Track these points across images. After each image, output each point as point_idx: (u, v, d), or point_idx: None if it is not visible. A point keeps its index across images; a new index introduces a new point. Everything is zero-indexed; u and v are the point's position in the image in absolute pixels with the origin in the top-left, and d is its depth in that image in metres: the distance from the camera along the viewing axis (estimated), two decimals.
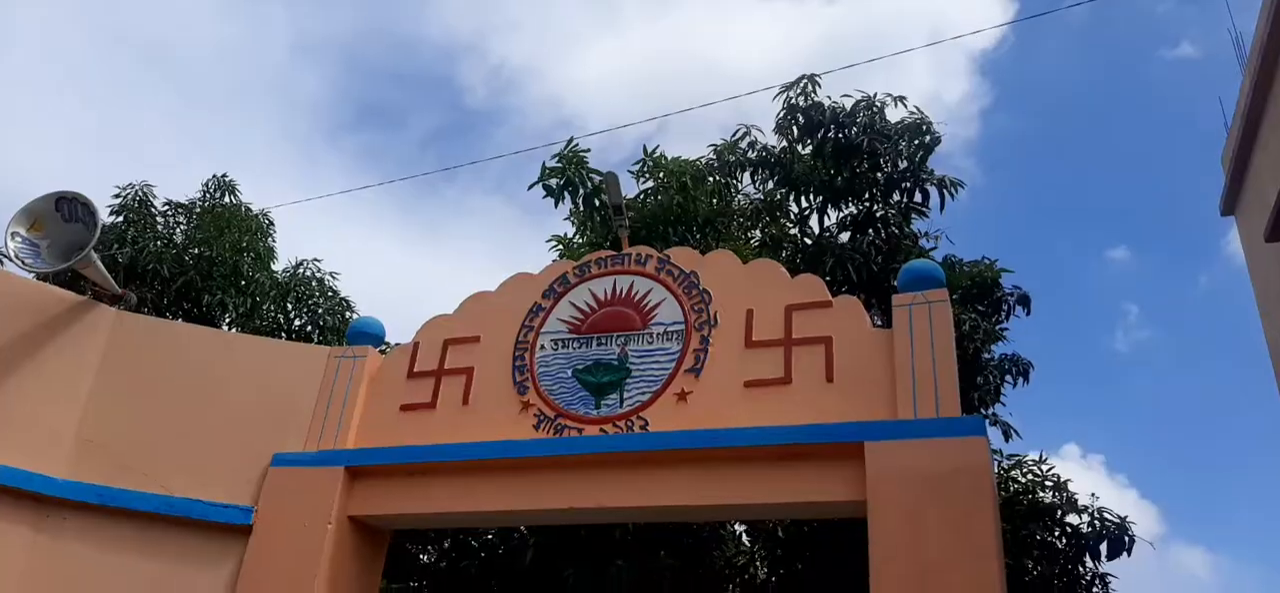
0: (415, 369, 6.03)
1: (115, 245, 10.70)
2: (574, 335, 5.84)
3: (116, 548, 5.55)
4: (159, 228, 11.40)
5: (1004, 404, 9.50)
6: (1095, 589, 8.46)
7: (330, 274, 12.13)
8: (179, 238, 11.39)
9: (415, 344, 6.14)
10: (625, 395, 5.55)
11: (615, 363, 5.66)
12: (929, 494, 4.63)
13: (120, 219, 11.32)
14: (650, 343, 5.67)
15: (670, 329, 5.66)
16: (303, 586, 5.39)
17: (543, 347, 5.86)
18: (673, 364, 5.54)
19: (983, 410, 8.95)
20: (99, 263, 6.08)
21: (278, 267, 12.09)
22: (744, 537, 11.47)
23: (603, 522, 7.99)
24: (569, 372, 5.71)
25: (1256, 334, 9.05)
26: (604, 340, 5.77)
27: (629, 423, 5.46)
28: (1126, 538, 8.11)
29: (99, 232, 5.83)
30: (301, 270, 12.04)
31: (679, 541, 9.94)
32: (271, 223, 12.19)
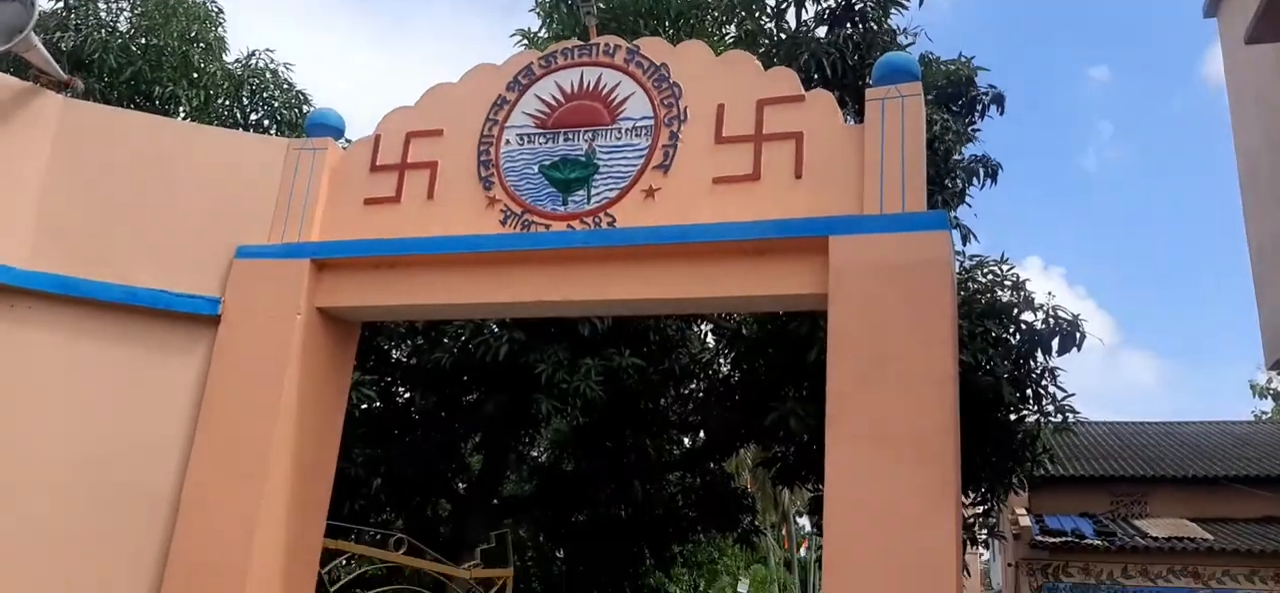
0: (378, 163, 5.92)
1: (57, 33, 10.21)
2: (540, 130, 5.72)
3: (82, 338, 5.54)
4: (102, 15, 10.87)
5: (969, 206, 9.62)
6: (1044, 382, 8.83)
7: (285, 66, 11.74)
8: (124, 26, 10.88)
9: (377, 137, 6.00)
10: (593, 192, 5.50)
11: (582, 159, 5.58)
12: (889, 285, 4.71)
13: (60, 5, 10.76)
14: (618, 139, 5.57)
15: (639, 124, 5.56)
16: (274, 375, 5.47)
17: (508, 141, 5.74)
18: (641, 160, 5.47)
19: (948, 212, 9.04)
20: (41, 47, 5.80)
21: (229, 58, 11.66)
22: (709, 337, 11.79)
23: (570, 315, 8.13)
24: (535, 168, 5.63)
25: (1224, 153, 9.13)
26: (571, 136, 5.66)
27: (596, 220, 5.44)
28: (1078, 335, 8.40)
29: (37, 12, 5.53)
30: (255, 61, 11.62)
31: (646, 339, 10.18)
32: (220, 11, 11.67)
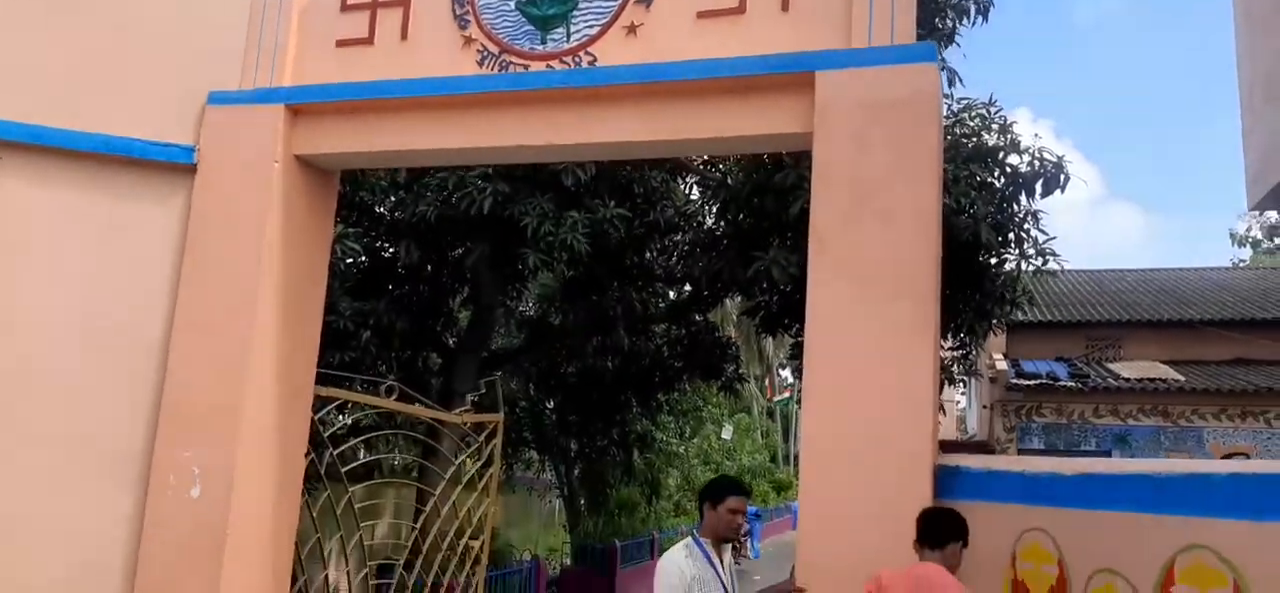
0: (348, 1, 5.72)
1: None
2: None
3: (60, 187, 5.46)
4: None
5: (959, 47, 9.45)
6: (1026, 226, 8.87)
7: None
8: None
9: None
10: (572, 29, 5.35)
11: None
12: (875, 121, 4.66)
13: None
14: None
15: None
16: (255, 224, 5.43)
17: None
18: None
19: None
20: None
21: None
22: (694, 190, 11.74)
23: (552, 161, 8.04)
24: (512, 4, 5.45)
25: (1220, 4, 8.91)
26: None
27: (576, 59, 5.31)
28: (1062, 176, 8.40)
29: None
30: None
31: (630, 192, 10.13)
32: None
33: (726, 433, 24.29)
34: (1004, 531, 4.34)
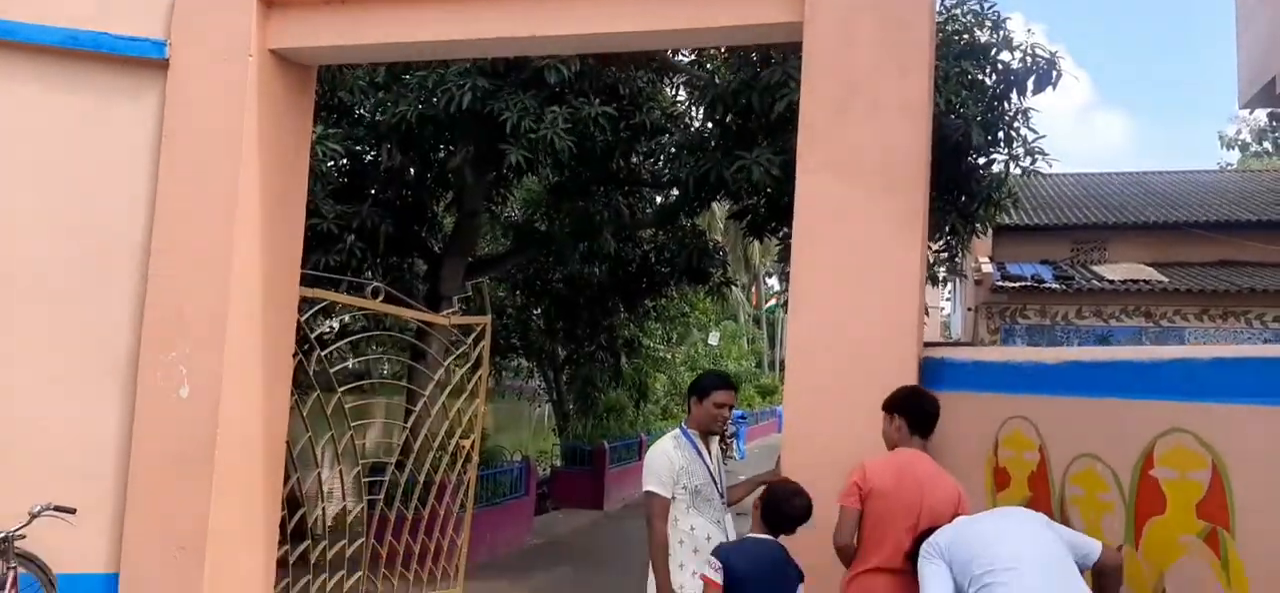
0: None
1: None
2: None
3: (28, 83, 5.31)
4: None
5: None
6: (1016, 124, 8.80)
7: None
8: None
9: None
10: None
11: None
12: (866, 9, 4.57)
13: None
14: None
15: None
16: (232, 120, 5.31)
17: None
18: None
19: None
20: None
21: None
22: (681, 91, 11.57)
23: (533, 53, 7.87)
24: None
25: None
26: None
27: None
28: (1055, 72, 8.30)
29: None
30: None
31: (615, 93, 9.96)
32: None
33: (713, 339, 24.48)
34: (987, 420, 4.39)
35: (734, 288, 20.00)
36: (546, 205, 11.69)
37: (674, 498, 4.23)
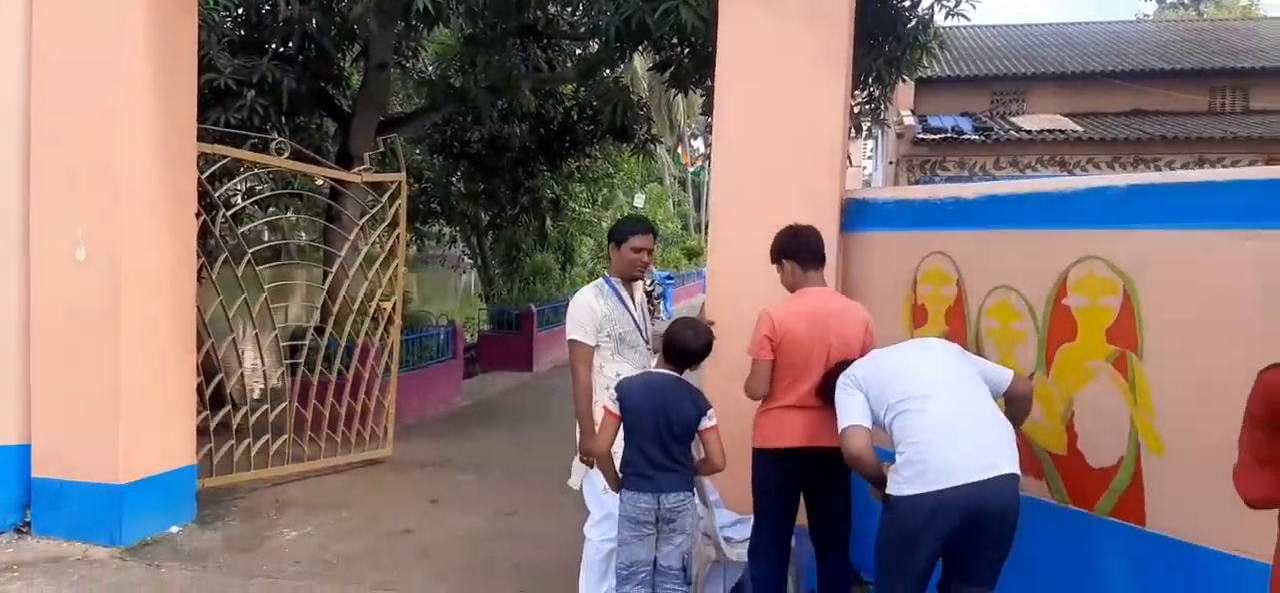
0: None
1: None
2: None
3: None
4: None
5: None
6: None
7: None
8: None
9: None
10: None
11: None
12: None
13: None
14: None
15: None
16: None
17: None
18: None
19: None
20: None
21: None
22: None
23: None
24: None
25: None
26: None
27: None
28: None
29: None
30: None
31: None
32: None
33: (638, 201, 24.32)
34: (907, 258, 4.41)
35: (659, 148, 19.76)
36: (461, 60, 11.19)
37: (598, 346, 4.18)
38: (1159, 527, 3.31)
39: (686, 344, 3.61)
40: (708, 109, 11.31)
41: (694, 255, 33.64)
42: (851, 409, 3.25)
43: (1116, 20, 24.05)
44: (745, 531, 4.16)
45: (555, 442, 8.27)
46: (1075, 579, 3.57)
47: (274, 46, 8.92)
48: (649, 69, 13.07)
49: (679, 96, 32.96)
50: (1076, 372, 3.60)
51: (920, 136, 15.80)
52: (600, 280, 4.35)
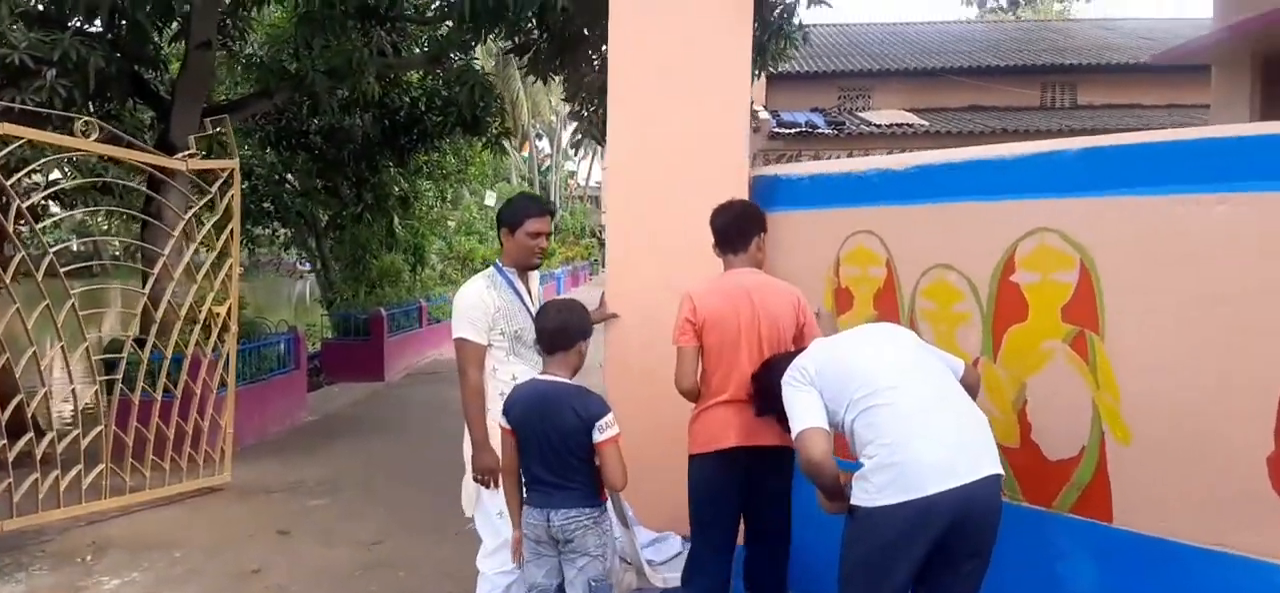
0: None
1: None
2: None
3: None
4: None
5: None
6: None
7: None
8: None
9: None
10: None
11: None
12: None
13: None
14: None
15: None
16: None
17: None
18: None
19: None
20: None
21: None
22: None
23: None
24: None
25: None
26: None
27: None
28: None
29: None
30: None
31: None
32: None
33: (489, 199, 23.45)
34: (826, 238, 4.03)
35: (509, 146, 19.06)
36: (295, 41, 10.17)
37: (491, 346, 3.58)
38: (1127, 523, 3.03)
39: (542, 327, 3.10)
40: (571, 97, 10.79)
41: (548, 257, 32.99)
42: (807, 409, 2.79)
43: (951, 20, 25.09)
44: (666, 551, 3.67)
45: (419, 458, 7.56)
46: (1034, 584, 3.26)
47: (78, 21, 7.75)
48: (506, 52, 12.33)
49: (521, 91, 32.13)
50: (1029, 355, 3.29)
51: (776, 131, 15.82)
52: (491, 270, 3.75)
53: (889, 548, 2.61)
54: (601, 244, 56.09)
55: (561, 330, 3.07)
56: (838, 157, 16.21)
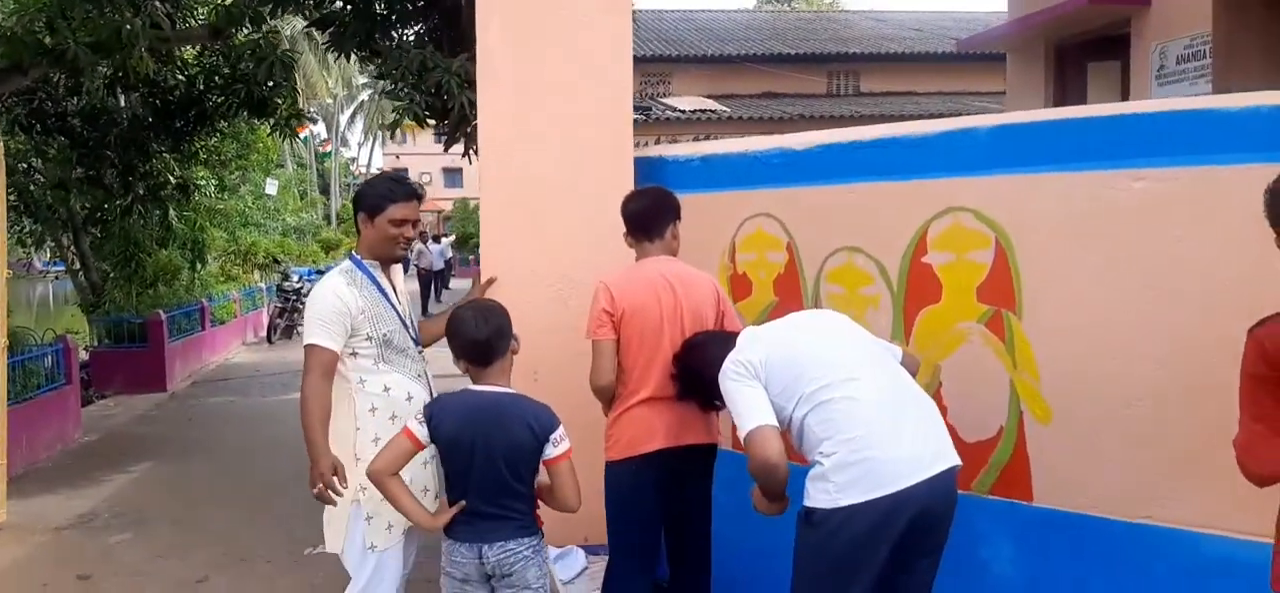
0: None
1: None
2: None
3: None
4: None
5: None
6: None
7: None
8: None
9: None
10: None
11: None
12: None
13: None
14: None
15: None
16: None
17: None
18: None
19: None
20: None
21: None
22: None
23: None
24: None
25: None
26: None
27: None
28: None
29: None
30: None
31: None
32: None
33: (271, 188, 21.74)
34: (719, 222, 3.84)
35: (310, 120, 17.72)
36: (50, 10, 8.82)
37: (356, 354, 3.09)
38: (1048, 501, 3.04)
39: (474, 337, 2.71)
40: (385, 74, 10.04)
41: (331, 248, 31.15)
42: (755, 406, 2.57)
43: (739, 10, 25.93)
44: (572, 567, 3.36)
45: (231, 479, 6.72)
46: (955, 570, 3.21)
47: None
48: (308, 26, 11.29)
49: (315, 68, 30.21)
50: (943, 337, 3.24)
51: None
52: (348, 264, 3.21)
53: (853, 553, 2.45)
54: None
55: (499, 334, 2.69)
56: (646, 141, 16.29)
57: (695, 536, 3.17)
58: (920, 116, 17.45)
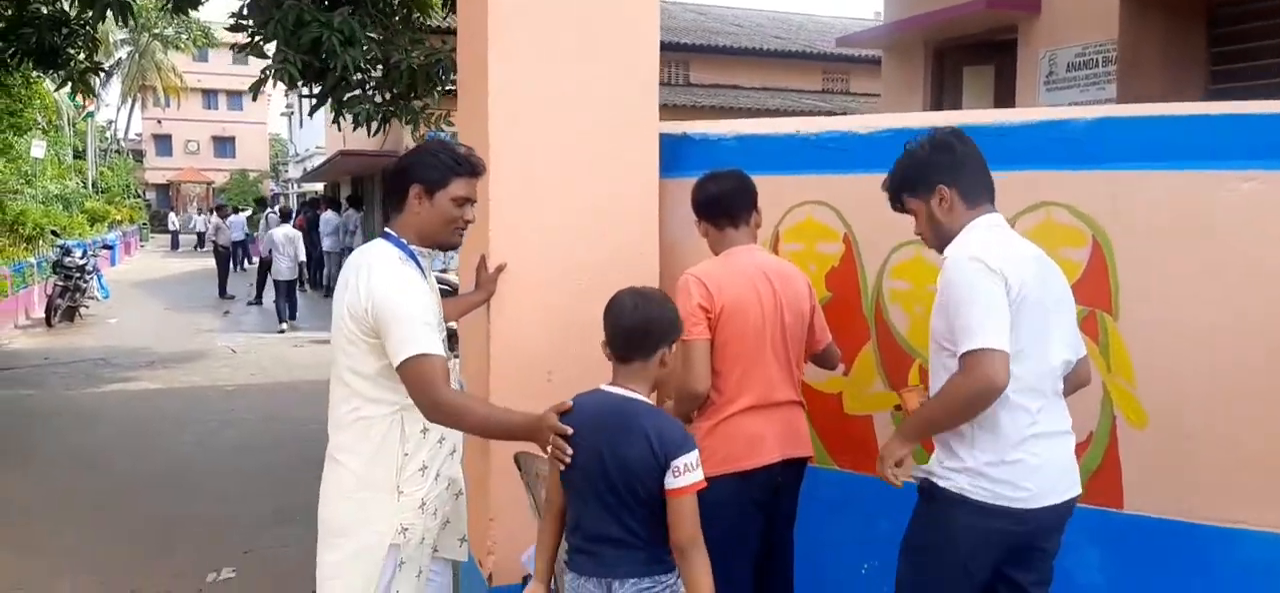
0: None
1: None
2: None
3: None
4: None
5: None
6: None
7: None
8: None
9: None
10: None
11: None
12: None
13: None
14: None
15: None
16: None
17: None
18: None
19: None
20: None
21: None
22: None
23: None
24: None
25: None
26: None
27: None
28: None
29: None
30: None
31: None
32: None
33: (37, 151, 19.07)
34: (764, 209, 3.51)
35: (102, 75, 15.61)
36: None
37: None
38: (1139, 508, 2.96)
39: (615, 320, 2.26)
40: (240, 26, 8.89)
41: (97, 219, 27.85)
42: (1002, 321, 2.16)
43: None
44: None
45: (60, 490, 5.59)
46: None
47: None
48: None
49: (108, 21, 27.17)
50: None
51: None
52: (392, 249, 2.59)
53: (977, 556, 2.27)
54: (148, 206, 49.04)
55: (642, 330, 2.22)
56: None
57: (783, 558, 2.85)
58: (749, 109, 17.89)
